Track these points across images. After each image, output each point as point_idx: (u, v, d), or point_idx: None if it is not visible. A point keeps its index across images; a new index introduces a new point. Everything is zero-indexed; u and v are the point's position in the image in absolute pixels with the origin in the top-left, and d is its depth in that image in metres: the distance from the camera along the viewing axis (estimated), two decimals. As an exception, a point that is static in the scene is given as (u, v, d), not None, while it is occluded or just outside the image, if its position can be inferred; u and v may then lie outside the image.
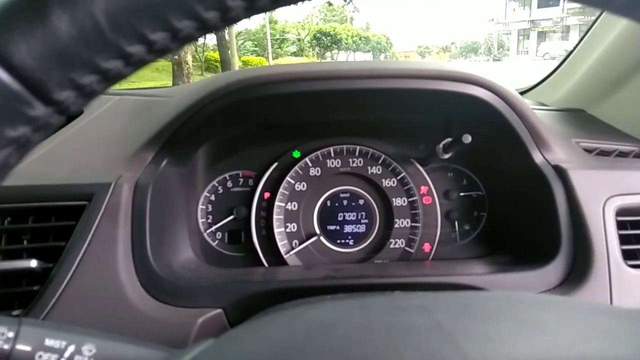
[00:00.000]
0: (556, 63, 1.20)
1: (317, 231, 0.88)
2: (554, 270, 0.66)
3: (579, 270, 0.65)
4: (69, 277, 0.59)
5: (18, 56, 0.21)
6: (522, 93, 1.27)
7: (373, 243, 0.88)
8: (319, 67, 0.72)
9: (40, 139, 0.25)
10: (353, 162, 0.89)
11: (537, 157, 0.75)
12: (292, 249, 0.86)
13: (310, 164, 0.88)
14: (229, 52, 13.14)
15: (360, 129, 0.88)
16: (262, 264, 0.86)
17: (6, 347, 0.36)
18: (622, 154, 0.83)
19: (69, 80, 0.22)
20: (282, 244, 0.86)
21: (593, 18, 1.07)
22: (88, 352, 0.38)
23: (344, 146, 0.88)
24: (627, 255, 0.66)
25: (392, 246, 0.87)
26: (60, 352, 0.37)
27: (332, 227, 0.89)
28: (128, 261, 0.63)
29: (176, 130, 0.71)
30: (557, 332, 0.26)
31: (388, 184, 0.88)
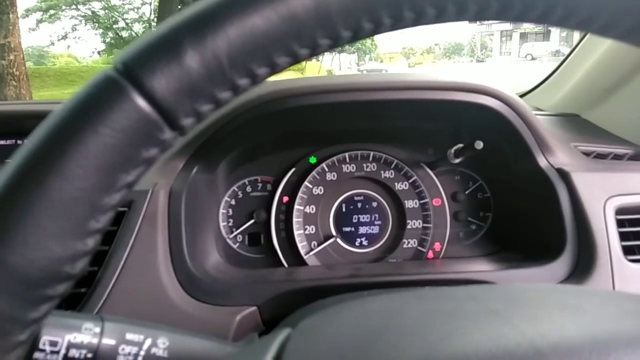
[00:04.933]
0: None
1: (334, 233, 0.93)
2: (561, 265, 0.72)
3: (583, 265, 0.71)
4: (114, 279, 0.63)
5: (159, 91, 0.26)
6: (518, 98, 1.34)
7: (387, 243, 0.93)
8: (342, 80, 0.78)
9: (160, 157, 0.29)
10: (367, 166, 0.94)
11: (542, 161, 0.80)
12: (311, 250, 0.91)
13: (326, 169, 0.93)
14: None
15: (373, 136, 0.93)
16: (282, 265, 0.90)
17: (94, 341, 0.39)
18: (617, 157, 0.89)
19: (193, 109, 0.27)
20: (301, 245, 0.90)
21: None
22: (162, 345, 0.42)
23: (359, 152, 0.93)
24: (627, 251, 0.72)
25: (405, 246, 0.92)
26: (139, 344, 0.41)
27: (348, 229, 0.93)
28: (167, 263, 0.67)
29: (206, 140, 0.75)
30: (594, 314, 0.31)
31: (400, 187, 0.93)
